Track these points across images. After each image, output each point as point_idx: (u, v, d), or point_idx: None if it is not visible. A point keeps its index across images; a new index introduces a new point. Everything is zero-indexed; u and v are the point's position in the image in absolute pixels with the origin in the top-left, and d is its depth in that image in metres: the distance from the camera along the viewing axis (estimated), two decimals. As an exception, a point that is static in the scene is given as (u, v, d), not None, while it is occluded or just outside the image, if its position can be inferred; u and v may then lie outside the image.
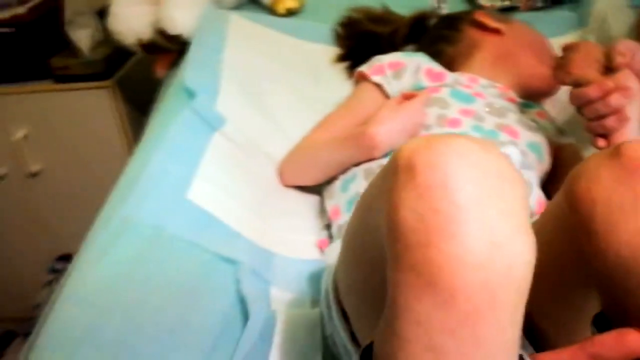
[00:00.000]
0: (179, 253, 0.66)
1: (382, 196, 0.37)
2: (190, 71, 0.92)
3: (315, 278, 0.76)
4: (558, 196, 0.45)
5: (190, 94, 0.88)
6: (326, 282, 0.60)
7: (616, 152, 0.40)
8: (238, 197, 0.81)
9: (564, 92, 0.89)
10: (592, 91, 0.70)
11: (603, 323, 0.38)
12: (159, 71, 1.19)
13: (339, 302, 0.56)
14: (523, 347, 0.42)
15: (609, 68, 0.72)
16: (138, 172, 0.74)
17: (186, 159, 0.79)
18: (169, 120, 0.82)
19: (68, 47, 1.31)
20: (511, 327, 0.33)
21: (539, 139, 0.81)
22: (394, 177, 0.35)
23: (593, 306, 0.41)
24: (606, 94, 0.69)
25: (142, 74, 1.30)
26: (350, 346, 0.55)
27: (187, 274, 0.65)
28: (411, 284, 0.33)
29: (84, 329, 0.54)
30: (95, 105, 1.32)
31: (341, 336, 0.56)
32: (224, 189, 0.79)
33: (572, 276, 0.42)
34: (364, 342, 0.54)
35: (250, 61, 1.05)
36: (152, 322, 0.57)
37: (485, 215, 0.33)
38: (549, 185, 0.84)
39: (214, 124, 0.85)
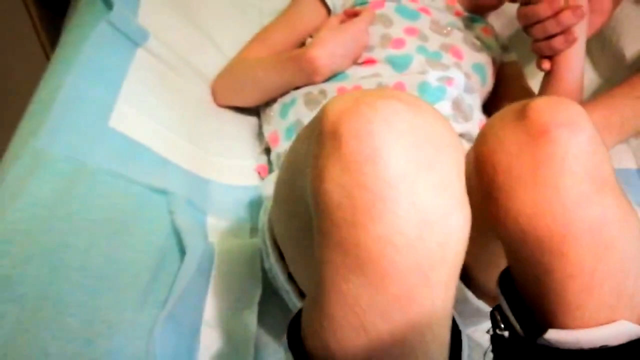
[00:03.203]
0: (103, 188, 0.61)
1: (308, 160, 0.34)
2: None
3: (254, 205, 0.73)
4: (471, 150, 0.44)
5: (107, 3, 0.77)
6: (262, 220, 0.57)
7: (522, 112, 0.38)
8: (167, 121, 0.75)
9: (508, 4, 0.86)
10: (542, 9, 0.67)
11: (507, 281, 0.38)
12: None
13: (275, 243, 0.54)
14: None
15: None
16: (50, 97, 0.65)
17: (106, 80, 0.70)
18: (84, 36, 0.73)
19: None
20: (444, 302, 0.32)
21: (484, 60, 0.79)
22: (318, 143, 0.32)
23: (504, 258, 0.41)
24: (557, 12, 0.66)
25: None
26: (287, 286, 0.54)
27: (114, 210, 0.61)
28: (338, 263, 0.31)
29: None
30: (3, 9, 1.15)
31: (278, 276, 0.55)
32: (150, 113, 0.73)
33: (485, 230, 0.41)
34: (302, 287, 0.54)
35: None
36: (77, 267, 0.53)
37: (415, 192, 0.31)
38: (489, 104, 0.83)
39: (135, 38, 0.76)
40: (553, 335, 0.34)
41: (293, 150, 0.43)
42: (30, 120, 0.65)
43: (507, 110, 0.40)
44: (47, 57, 1.31)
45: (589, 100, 0.69)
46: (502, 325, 0.36)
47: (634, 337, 0.34)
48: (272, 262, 0.55)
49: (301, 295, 0.55)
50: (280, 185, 0.48)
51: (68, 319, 0.50)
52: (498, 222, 0.38)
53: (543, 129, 0.37)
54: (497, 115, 0.41)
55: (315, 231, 0.33)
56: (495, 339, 0.35)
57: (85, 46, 0.71)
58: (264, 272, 0.61)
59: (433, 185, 0.31)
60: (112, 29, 0.74)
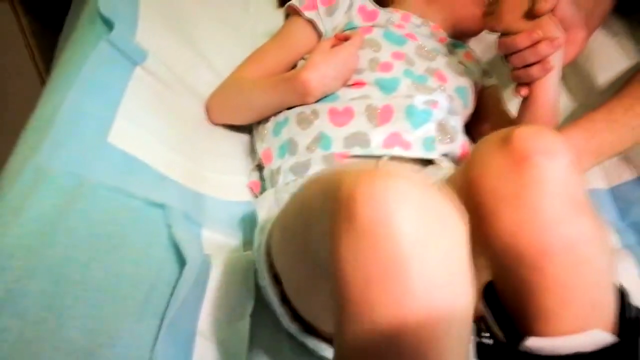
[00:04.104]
0: (103, 202, 0.63)
1: (323, 221, 0.37)
2: (104, -4, 0.83)
3: (247, 220, 0.76)
4: (460, 170, 0.47)
5: (107, 23, 0.80)
6: (258, 240, 0.60)
7: (506, 139, 0.42)
8: (163, 138, 0.77)
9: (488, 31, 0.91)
10: (521, 40, 0.71)
11: (491, 293, 0.42)
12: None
13: (270, 266, 0.57)
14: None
15: (533, 14, 0.73)
16: (51, 114, 0.67)
17: (105, 97, 0.73)
18: (83, 54, 0.75)
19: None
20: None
21: (466, 83, 0.83)
22: (334, 210, 0.35)
23: (487, 272, 0.44)
24: (534, 43, 0.71)
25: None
26: (281, 309, 0.57)
27: (114, 224, 0.63)
28: (353, 321, 0.34)
29: (2, 296, 0.51)
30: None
31: (272, 298, 0.57)
32: (148, 130, 0.75)
33: (473, 245, 0.45)
34: (301, 312, 0.57)
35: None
36: (78, 281, 0.55)
37: (425, 259, 0.33)
38: (470, 126, 0.87)
39: (134, 57, 0.79)
40: (532, 342, 0.38)
41: (306, 199, 0.46)
42: (32, 137, 0.67)
43: (493, 137, 0.44)
44: (38, 70, 1.32)
45: (568, 125, 0.72)
46: (487, 334, 0.40)
47: (605, 344, 0.37)
48: (266, 285, 0.57)
49: (294, 318, 0.58)
50: (290, 225, 0.50)
51: (69, 331, 0.52)
52: (484, 239, 0.41)
53: (525, 155, 0.40)
54: (483, 141, 0.45)
55: (331, 293, 0.36)
56: (479, 347, 0.38)
57: (85, 64, 0.73)
58: (257, 285, 0.63)
59: (440, 253, 0.34)
60: (112, 48, 0.76)
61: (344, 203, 0.34)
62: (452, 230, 0.36)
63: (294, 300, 0.58)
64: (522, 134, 0.41)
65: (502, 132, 0.43)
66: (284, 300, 0.58)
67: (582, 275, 0.38)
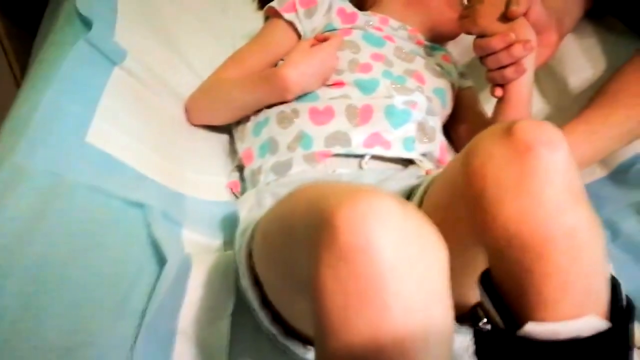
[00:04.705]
0: (81, 202, 0.63)
1: (305, 243, 0.38)
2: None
3: (228, 220, 0.76)
4: (456, 162, 0.48)
5: (85, 23, 0.79)
6: (239, 242, 0.60)
7: (509, 131, 0.43)
8: (142, 137, 0.77)
9: (465, 35, 0.93)
10: (495, 42, 0.73)
11: (487, 281, 0.43)
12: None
13: (250, 268, 0.58)
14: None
15: (507, 18, 0.75)
16: (28, 113, 0.67)
17: (83, 97, 0.72)
18: (61, 54, 0.74)
19: None
20: None
21: (444, 85, 0.84)
22: (316, 234, 0.36)
23: (482, 262, 0.45)
24: (509, 45, 0.73)
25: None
26: (261, 311, 0.58)
27: (92, 223, 0.63)
28: (330, 343, 0.35)
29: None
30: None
31: (252, 301, 0.58)
32: (126, 129, 0.75)
33: (466, 237, 0.46)
34: (282, 314, 0.57)
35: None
36: (57, 280, 0.55)
37: (402, 283, 0.35)
38: (448, 126, 0.89)
39: (113, 57, 0.78)
40: (532, 327, 0.39)
41: (289, 216, 0.47)
42: (9, 136, 0.66)
43: (494, 129, 0.45)
44: (13, 73, 1.30)
45: None
46: (485, 320, 0.41)
47: (599, 330, 0.39)
48: (246, 287, 0.58)
49: (274, 320, 0.59)
50: (273, 241, 0.51)
51: (48, 331, 0.51)
52: (485, 228, 0.43)
53: (528, 146, 0.42)
54: (486, 132, 0.46)
55: (312, 313, 0.37)
56: (477, 334, 0.39)
57: (63, 64, 0.73)
58: (238, 285, 0.63)
59: (417, 278, 0.35)
60: (90, 47, 0.76)
61: (325, 228, 0.36)
62: (432, 254, 0.37)
63: (275, 304, 0.58)
64: (525, 126, 0.43)
65: (504, 124, 0.45)
66: (264, 303, 0.58)
67: (581, 262, 0.40)
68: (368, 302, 0.34)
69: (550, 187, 0.41)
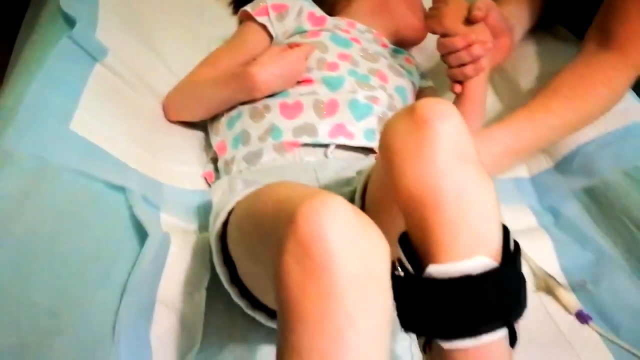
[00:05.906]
0: (66, 184, 0.67)
1: (273, 233, 0.47)
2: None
3: (202, 208, 0.81)
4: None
5: (68, 22, 0.84)
6: (213, 226, 0.65)
7: (412, 109, 0.51)
8: (123, 130, 0.81)
9: (428, 41, 1.01)
10: (458, 41, 0.81)
11: (405, 239, 0.50)
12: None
13: (223, 249, 0.64)
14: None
15: (469, 21, 0.83)
16: (14, 104, 0.71)
17: (67, 90, 0.76)
18: (45, 51, 0.78)
19: None
20: (375, 349, 0.43)
21: (405, 84, 0.91)
22: (282, 225, 0.44)
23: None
24: (469, 45, 0.80)
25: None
26: (230, 289, 0.65)
27: (77, 204, 0.67)
28: (287, 314, 0.43)
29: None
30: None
31: (222, 278, 0.64)
32: (107, 122, 0.79)
33: (392, 201, 0.53)
34: (252, 289, 0.64)
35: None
36: (44, 252, 0.59)
37: (348, 263, 0.42)
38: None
39: (95, 54, 0.83)
40: (432, 269, 0.46)
41: (260, 214, 0.56)
42: (-5, 123, 0.70)
43: (403, 109, 0.53)
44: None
45: (494, 124, 0.79)
46: (399, 268, 0.48)
47: (488, 268, 0.46)
48: (217, 265, 0.64)
49: (242, 294, 0.65)
50: (246, 229, 0.60)
51: (36, 295, 0.56)
52: (396, 192, 0.50)
53: (425, 119, 0.49)
54: (396, 113, 0.54)
55: (274, 288, 0.44)
56: (393, 280, 0.46)
57: (48, 59, 0.77)
58: (212, 263, 0.68)
59: (359, 259, 0.43)
60: (73, 44, 0.80)
61: (289, 223, 0.44)
62: (373, 243, 0.45)
63: (245, 281, 0.64)
64: (424, 104, 0.51)
65: (410, 105, 0.53)
66: (233, 280, 0.65)
67: (468, 213, 0.47)
68: (319, 277, 0.42)
69: (441, 152, 0.48)
